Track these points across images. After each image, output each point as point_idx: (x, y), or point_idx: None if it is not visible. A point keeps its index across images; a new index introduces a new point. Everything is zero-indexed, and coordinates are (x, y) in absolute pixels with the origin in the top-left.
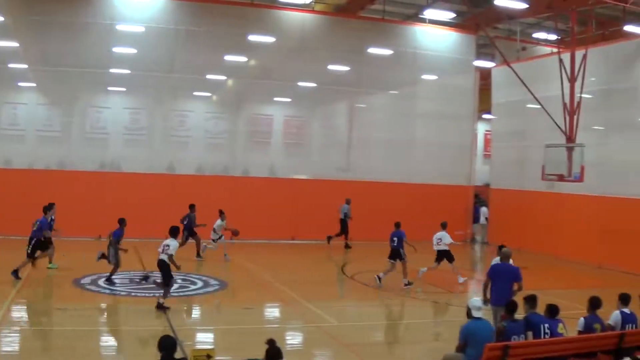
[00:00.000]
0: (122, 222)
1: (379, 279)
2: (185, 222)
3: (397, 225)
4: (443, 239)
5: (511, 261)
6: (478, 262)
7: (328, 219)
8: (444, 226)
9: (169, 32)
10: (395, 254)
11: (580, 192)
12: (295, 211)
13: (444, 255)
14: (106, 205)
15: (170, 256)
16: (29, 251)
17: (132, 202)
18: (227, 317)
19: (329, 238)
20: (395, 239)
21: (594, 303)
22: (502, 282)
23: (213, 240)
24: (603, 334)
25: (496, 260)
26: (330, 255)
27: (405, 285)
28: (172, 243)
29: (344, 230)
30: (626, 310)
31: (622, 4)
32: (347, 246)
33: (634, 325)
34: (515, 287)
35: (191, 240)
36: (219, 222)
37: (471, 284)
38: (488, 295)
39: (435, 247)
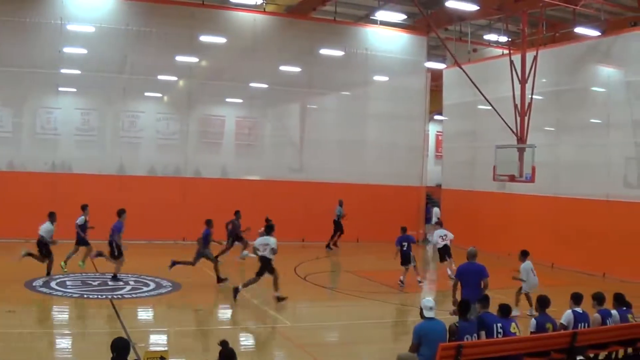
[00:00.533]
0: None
1: (402, 282)
2: (229, 228)
3: (404, 229)
4: (448, 235)
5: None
6: (430, 262)
7: (280, 220)
8: (441, 224)
9: (120, 33)
10: (407, 259)
11: (531, 192)
12: (248, 212)
13: (445, 251)
14: (57, 206)
15: (273, 250)
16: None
17: (83, 203)
18: (180, 318)
19: (328, 245)
20: (404, 243)
21: (543, 302)
22: (470, 282)
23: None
24: (556, 333)
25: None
26: (283, 256)
27: (420, 282)
28: (272, 240)
29: (338, 230)
30: (578, 309)
31: (573, 6)
32: (328, 246)
33: (586, 325)
34: (482, 284)
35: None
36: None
37: (425, 284)
38: (458, 297)
39: (440, 244)
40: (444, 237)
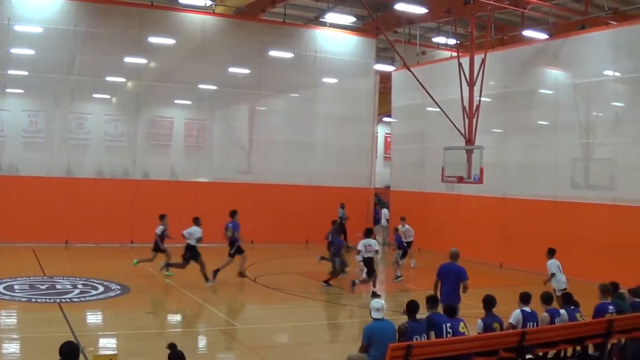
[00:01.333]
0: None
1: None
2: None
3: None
4: (372, 245)
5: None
6: (380, 263)
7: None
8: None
9: (68, 33)
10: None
11: (480, 193)
12: (197, 214)
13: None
14: (4, 209)
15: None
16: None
17: (30, 206)
18: (129, 322)
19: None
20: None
21: (488, 302)
22: (449, 282)
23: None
24: (505, 332)
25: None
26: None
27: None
28: (373, 242)
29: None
30: (527, 308)
31: (521, 9)
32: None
33: (535, 324)
34: (461, 286)
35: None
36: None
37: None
38: (439, 295)
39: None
40: (367, 248)
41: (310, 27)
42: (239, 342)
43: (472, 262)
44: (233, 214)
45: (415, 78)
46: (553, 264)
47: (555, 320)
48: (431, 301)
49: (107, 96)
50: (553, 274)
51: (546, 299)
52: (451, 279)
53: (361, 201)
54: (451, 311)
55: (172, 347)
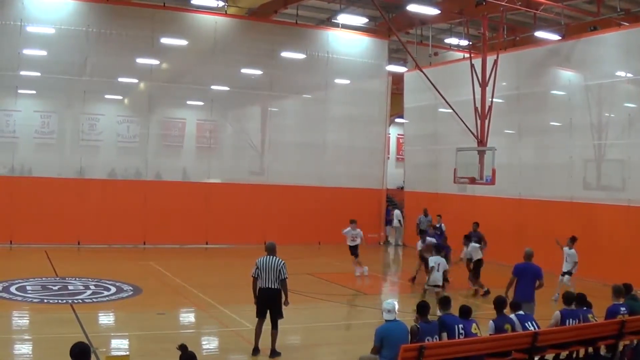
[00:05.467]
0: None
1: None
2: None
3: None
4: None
5: None
6: (391, 264)
7: (241, 223)
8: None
9: (80, 34)
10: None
11: (493, 194)
12: (209, 215)
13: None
14: (17, 210)
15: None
16: None
17: (42, 207)
18: (141, 322)
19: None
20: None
21: (500, 303)
22: (526, 280)
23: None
24: (517, 333)
25: None
26: (245, 260)
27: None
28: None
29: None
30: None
31: (533, 10)
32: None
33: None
34: (537, 284)
35: None
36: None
37: (385, 285)
38: (510, 294)
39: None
40: (354, 237)
41: (322, 28)
42: (250, 342)
43: (486, 263)
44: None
45: (427, 79)
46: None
47: (567, 321)
48: (444, 302)
49: (119, 97)
50: (576, 263)
51: (566, 298)
52: (528, 277)
53: (373, 202)
54: (465, 312)
55: (183, 348)
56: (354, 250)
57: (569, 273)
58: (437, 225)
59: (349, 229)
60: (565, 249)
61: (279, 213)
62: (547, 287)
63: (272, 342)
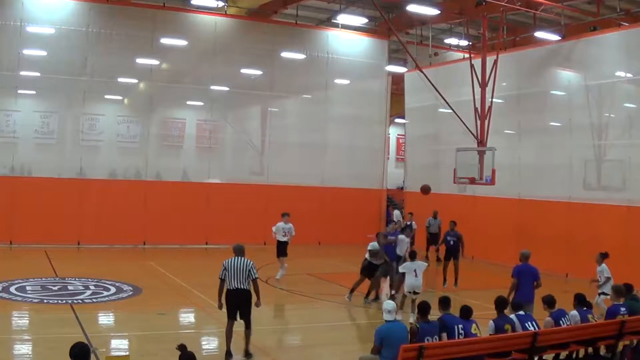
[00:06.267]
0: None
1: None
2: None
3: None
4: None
5: None
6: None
7: (241, 223)
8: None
9: (80, 34)
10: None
11: (494, 194)
12: (209, 215)
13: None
14: (16, 210)
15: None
16: None
17: (42, 207)
18: (141, 323)
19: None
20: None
21: (500, 304)
22: (527, 282)
23: None
24: (517, 333)
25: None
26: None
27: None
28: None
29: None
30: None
31: (533, 11)
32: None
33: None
34: (535, 285)
35: None
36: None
37: (385, 285)
38: (512, 297)
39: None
40: (286, 232)
41: (322, 28)
42: (250, 343)
43: (486, 263)
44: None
45: (427, 79)
46: (606, 268)
47: (560, 322)
48: (443, 302)
49: (119, 97)
50: (608, 278)
51: (548, 302)
52: (528, 279)
53: (373, 202)
54: (465, 312)
55: (182, 348)
56: (283, 247)
57: (604, 293)
58: (408, 224)
59: (281, 223)
60: (597, 270)
61: (279, 213)
62: (544, 287)
63: (245, 342)
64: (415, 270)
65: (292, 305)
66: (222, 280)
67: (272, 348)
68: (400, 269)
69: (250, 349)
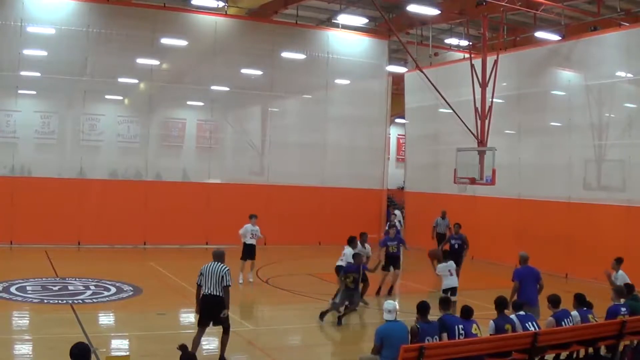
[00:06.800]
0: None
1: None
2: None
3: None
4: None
5: None
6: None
7: (242, 223)
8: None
9: (81, 35)
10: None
11: (494, 194)
12: (209, 216)
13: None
14: (17, 210)
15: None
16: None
17: (43, 207)
18: (141, 323)
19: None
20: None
21: (500, 304)
22: (529, 284)
23: None
24: (517, 333)
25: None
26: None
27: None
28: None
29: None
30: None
31: (533, 11)
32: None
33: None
34: (538, 287)
35: None
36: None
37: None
38: (514, 299)
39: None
40: (254, 234)
41: (322, 28)
42: (250, 343)
43: (486, 263)
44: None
45: (427, 79)
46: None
47: (562, 322)
48: (444, 303)
49: (120, 97)
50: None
51: (553, 302)
52: (531, 281)
53: (373, 202)
54: (466, 313)
55: (183, 348)
56: (251, 250)
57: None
58: (393, 223)
59: (248, 225)
60: (613, 273)
61: (279, 213)
62: (546, 287)
63: (221, 348)
64: (449, 270)
65: (292, 305)
66: (199, 286)
67: (271, 348)
68: (437, 272)
69: (226, 354)
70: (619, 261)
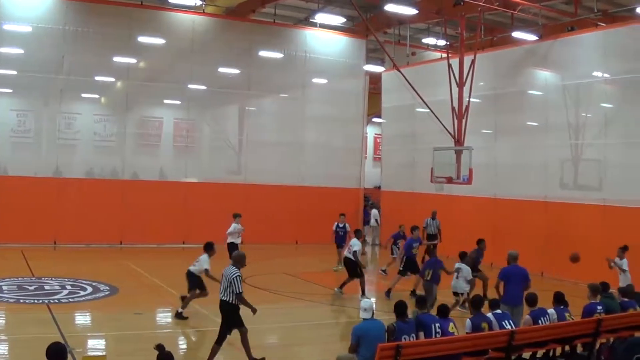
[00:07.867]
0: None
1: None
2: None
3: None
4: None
5: None
6: (369, 263)
7: (219, 222)
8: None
9: (57, 33)
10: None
11: (470, 194)
12: (186, 215)
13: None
14: None
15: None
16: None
17: (18, 206)
18: (118, 322)
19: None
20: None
21: (477, 302)
22: (515, 283)
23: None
24: (494, 332)
25: None
26: (222, 258)
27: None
28: (356, 243)
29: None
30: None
31: (511, 11)
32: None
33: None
34: (524, 287)
35: None
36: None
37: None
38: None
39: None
40: (240, 234)
41: (300, 27)
42: (228, 342)
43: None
44: (414, 228)
45: (405, 79)
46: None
47: (539, 321)
48: (420, 302)
49: (96, 96)
50: (625, 271)
51: (531, 300)
52: (517, 280)
53: (350, 201)
54: (442, 311)
55: (160, 348)
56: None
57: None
58: (341, 226)
59: (235, 225)
60: (617, 260)
61: (257, 212)
62: (533, 287)
63: (245, 351)
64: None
65: (269, 304)
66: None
67: (251, 347)
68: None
69: (202, 355)
70: (624, 249)
